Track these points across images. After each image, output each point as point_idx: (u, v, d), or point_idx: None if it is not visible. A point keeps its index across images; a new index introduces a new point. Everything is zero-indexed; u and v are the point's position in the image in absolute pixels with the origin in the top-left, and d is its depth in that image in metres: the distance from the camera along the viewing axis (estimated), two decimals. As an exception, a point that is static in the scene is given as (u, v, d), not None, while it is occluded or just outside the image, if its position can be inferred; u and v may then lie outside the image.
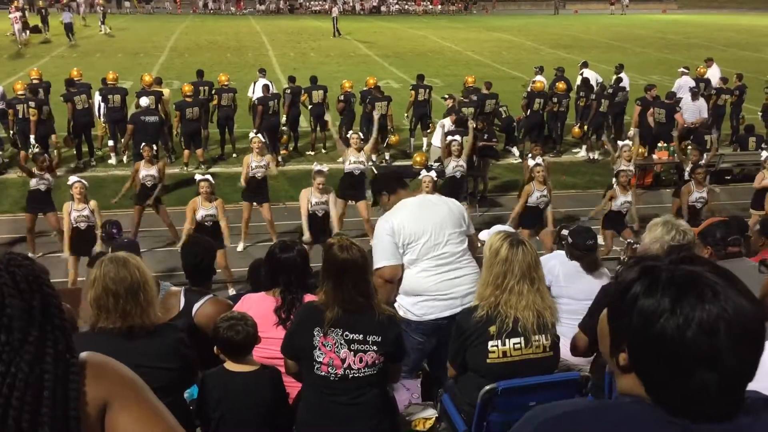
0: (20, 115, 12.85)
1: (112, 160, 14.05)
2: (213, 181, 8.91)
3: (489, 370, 3.53)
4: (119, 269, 3.07)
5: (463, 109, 13.46)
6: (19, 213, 10.75)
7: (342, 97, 14.55)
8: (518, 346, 3.54)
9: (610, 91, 15.53)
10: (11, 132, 13.62)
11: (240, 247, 10.05)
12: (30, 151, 12.13)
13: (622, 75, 16.52)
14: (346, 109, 14.49)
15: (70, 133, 13.77)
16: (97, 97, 14.14)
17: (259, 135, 10.84)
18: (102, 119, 14.26)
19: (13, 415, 1.41)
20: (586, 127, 15.35)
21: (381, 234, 4.61)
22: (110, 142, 14.24)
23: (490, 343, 3.52)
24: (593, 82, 15.99)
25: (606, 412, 1.40)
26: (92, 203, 8.63)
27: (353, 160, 10.25)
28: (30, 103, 12.83)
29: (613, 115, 15.65)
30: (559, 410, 1.41)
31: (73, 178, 8.75)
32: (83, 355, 1.63)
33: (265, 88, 14.26)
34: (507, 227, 4.45)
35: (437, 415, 3.93)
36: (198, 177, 8.99)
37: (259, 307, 3.96)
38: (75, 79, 14.28)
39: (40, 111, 12.92)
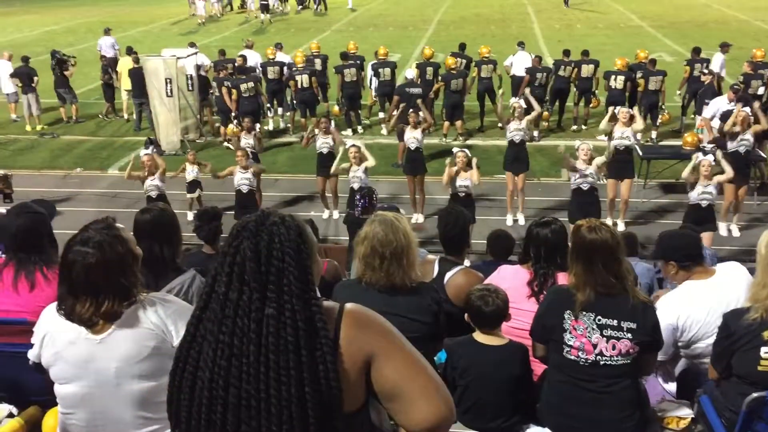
0: (299, 86, 14.02)
1: (384, 131, 14.84)
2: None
3: (760, 377, 3.21)
4: (387, 233, 3.28)
5: (752, 82, 12.33)
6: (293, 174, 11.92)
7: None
8: (799, 356, 3.15)
9: None
10: (292, 101, 14.90)
11: (420, 218, 10.42)
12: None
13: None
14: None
15: (339, 102, 14.80)
16: (369, 70, 15.01)
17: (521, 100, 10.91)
18: (373, 92, 15.14)
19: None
20: None
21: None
22: (380, 114, 15.06)
23: (764, 349, 3.19)
24: None
25: None
26: (365, 164, 9.39)
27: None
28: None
29: None
30: None
31: (348, 142, 9.83)
32: (350, 306, 1.83)
33: (537, 60, 14.61)
34: None
35: (693, 416, 3.66)
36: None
37: (514, 278, 4.07)
38: (351, 52, 15.25)
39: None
